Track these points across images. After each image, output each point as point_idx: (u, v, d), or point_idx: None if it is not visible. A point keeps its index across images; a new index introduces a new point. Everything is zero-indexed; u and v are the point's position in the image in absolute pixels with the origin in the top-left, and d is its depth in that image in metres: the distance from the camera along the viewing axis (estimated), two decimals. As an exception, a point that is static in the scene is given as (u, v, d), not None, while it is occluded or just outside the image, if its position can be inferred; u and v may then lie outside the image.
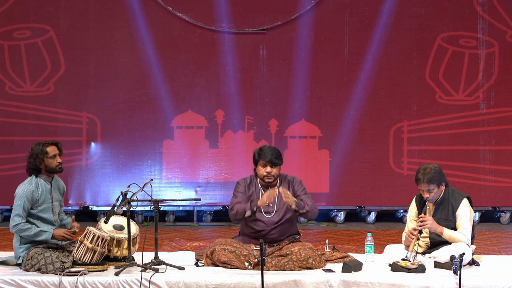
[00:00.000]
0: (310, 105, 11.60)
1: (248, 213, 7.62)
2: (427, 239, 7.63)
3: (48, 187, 7.58)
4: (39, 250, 7.29)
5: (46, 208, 7.53)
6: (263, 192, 7.75)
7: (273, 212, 7.74)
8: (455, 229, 7.56)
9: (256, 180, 7.79)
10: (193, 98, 11.57)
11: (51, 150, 7.58)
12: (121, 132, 11.55)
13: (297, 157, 11.49)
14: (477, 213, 11.57)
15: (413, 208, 7.77)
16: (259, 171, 7.72)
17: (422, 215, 7.54)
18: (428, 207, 7.65)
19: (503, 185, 11.62)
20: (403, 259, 7.37)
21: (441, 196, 7.61)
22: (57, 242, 7.58)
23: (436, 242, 7.60)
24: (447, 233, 7.50)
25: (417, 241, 7.51)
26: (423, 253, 7.59)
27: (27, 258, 7.31)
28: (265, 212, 7.73)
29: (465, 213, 7.56)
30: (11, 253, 7.70)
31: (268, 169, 7.66)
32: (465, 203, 7.60)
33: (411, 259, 7.36)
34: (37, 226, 7.44)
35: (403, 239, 7.71)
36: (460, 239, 7.50)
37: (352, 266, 7.32)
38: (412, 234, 7.49)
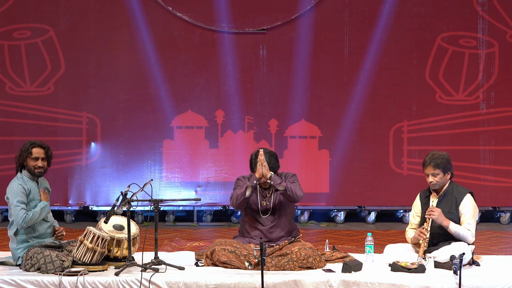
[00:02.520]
0: (310, 105, 11.60)
1: (248, 192, 7.62)
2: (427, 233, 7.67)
3: (34, 186, 7.55)
4: (38, 249, 7.29)
5: (35, 205, 7.51)
6: (260, 191, 7.75)
7: (269, 211, 7.75)
8: (457, 222, 7.58)
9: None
10: (193, 98, 11.57)
11: (36, 152, 7.49)
12: (121, 132, 11.55)
13: (297, 157, 11.49)
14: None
15: (417, 203, 7.80)
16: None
17: (432, 206, 7.56)
18: (432, 200, 7.67)
19: (503, 185, 11.61)
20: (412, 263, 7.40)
21: (444, 188, 7.64)
22: (55, 241, 7.58)
23: (435, 240, 7.61)
24: (452, 227, 7.52)
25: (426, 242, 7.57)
26: (423, 253, 7.59)
27: (26, 258, 7.30)
28: (262, 212, 7.74)
29: (469, 209, 7.60)
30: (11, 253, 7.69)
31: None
32: (468, 198, 7.63)
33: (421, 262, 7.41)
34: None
35: (407, 235, 7.76)
36: (466, 234, 7.52)
37: (352, 266, 7.32)
38: (423, 234, 7.51)
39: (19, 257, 7.43)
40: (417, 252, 7.60)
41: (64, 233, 7.69)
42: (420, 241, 7.56)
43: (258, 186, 7.76)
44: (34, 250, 7.31)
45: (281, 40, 11.57)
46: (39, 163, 7.49)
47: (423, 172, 7.70)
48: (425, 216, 7.58)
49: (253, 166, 7.73)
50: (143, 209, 11.25)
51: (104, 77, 11.51)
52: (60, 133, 11.44)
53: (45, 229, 7.56)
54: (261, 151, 7.59)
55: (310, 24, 11.53)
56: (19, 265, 7.43)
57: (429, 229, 7.57)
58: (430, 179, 7.60)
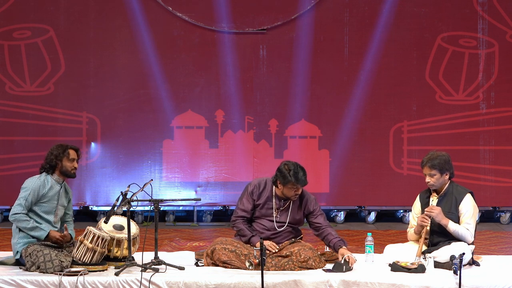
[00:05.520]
0: (310, 105, 11.60)
1: (244, 240, 7.66)
2: (427, 232, 7.66)
3: (58, 188, 7.55)
4: (38, 247, 7.30)
5: (49, 209, 7.51)
6: (276, 201, 7.69)
7: (278, 222, 7.70)
8: (457, 222, 7.58)
9: (272, 188, 7.71)
10: (193, 98, 11.57)
11: (72, 153, 7.61)
12: (121, 132, 11.55)
13: (297, 157, 11.47)
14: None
15: (417, 204, 7.80)
16: (287, 192, 7.57)
17: (431, 205, 7.57)
18: (432, 200, 7.67)
19: (503, 185, 11.62)
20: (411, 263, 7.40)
21: (444, 188, 7.64)
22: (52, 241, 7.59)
23: (435, 240, 7.62)
24: (451, 226, 7.52)
25: (425, 240, 7.58)
26: (423, 253, 7.60)
27: (25, 254, 7.31)
28: (270, 221, 7.70)
29: (469, 208, 7.59)
30: (11, 253, 7.68)
31: (299, 190, 7.62)
32: (468, 198, 7.63)
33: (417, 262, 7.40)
34: (36, 222, 7.45)
35: (409, 234, 7.75)
36: (465, 233, 7.52)
37: (343, 265, 7.32)
38: (425, 220, 7.51)
39: (17, 251, 7.43)
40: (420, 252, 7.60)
41: (68, 238, 7.62)
42: (424, 224, 7.53)
43: (275, 194, 7.70)
44: (34, 247, 7.31)
45: (281, 40, 11.57)
46: (75, 164, 7.62)
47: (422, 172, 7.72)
48: (425, 213, 7.57)
49: (288, 180, 7.52)
50: (143, 209, 11.25)
51: (104, 77, 11.52)
52: (60, 133, 11.44)
53: (47, 228, 7.55)
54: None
55: (310, 24, 11.54)
56: (17, 260, 7.42)
57: (429, 223, 7.57)
58: (427, 179, 7.62)
